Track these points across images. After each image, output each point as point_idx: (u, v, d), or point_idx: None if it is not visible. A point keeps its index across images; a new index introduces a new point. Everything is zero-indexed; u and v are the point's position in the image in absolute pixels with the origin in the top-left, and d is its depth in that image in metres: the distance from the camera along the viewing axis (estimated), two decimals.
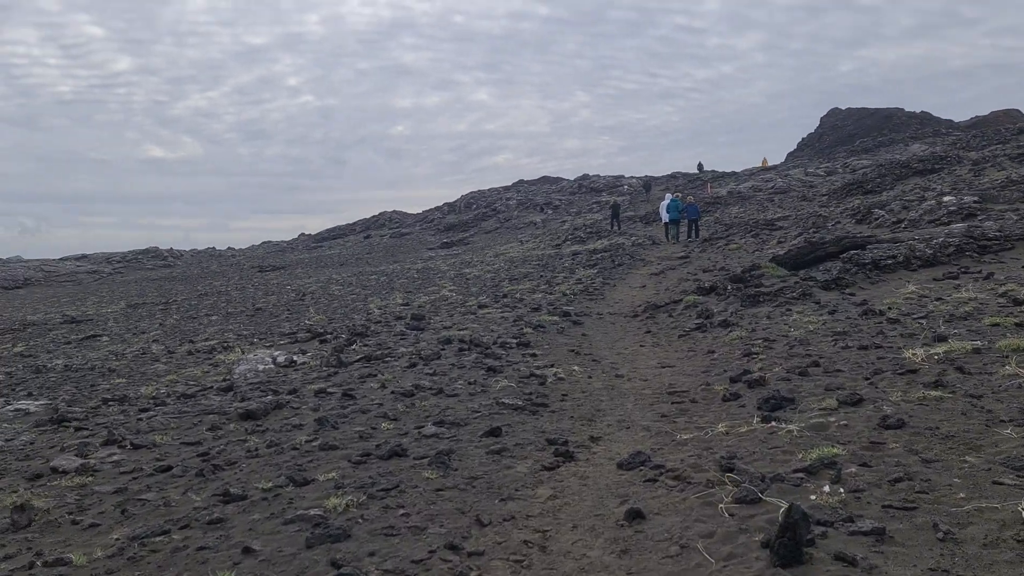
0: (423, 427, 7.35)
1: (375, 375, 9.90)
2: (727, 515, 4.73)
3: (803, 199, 38.69)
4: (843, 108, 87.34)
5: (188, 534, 4.98)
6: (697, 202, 36.13)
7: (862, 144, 68.21)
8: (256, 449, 6.81)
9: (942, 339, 9.07)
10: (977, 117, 74.68)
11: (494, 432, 7.04)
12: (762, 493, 4.91)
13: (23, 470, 6.57)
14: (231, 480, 5.98)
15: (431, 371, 10.07)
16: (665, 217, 33.96)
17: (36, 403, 9.80)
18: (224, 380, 10.30)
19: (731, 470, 5.50)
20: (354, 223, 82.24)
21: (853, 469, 5.21)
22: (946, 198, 20.56)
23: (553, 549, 4.68)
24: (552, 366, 10.38)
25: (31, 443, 7.57)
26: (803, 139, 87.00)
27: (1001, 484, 4.71)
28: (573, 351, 11.92)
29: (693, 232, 33.06)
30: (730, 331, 12.07)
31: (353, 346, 12.69)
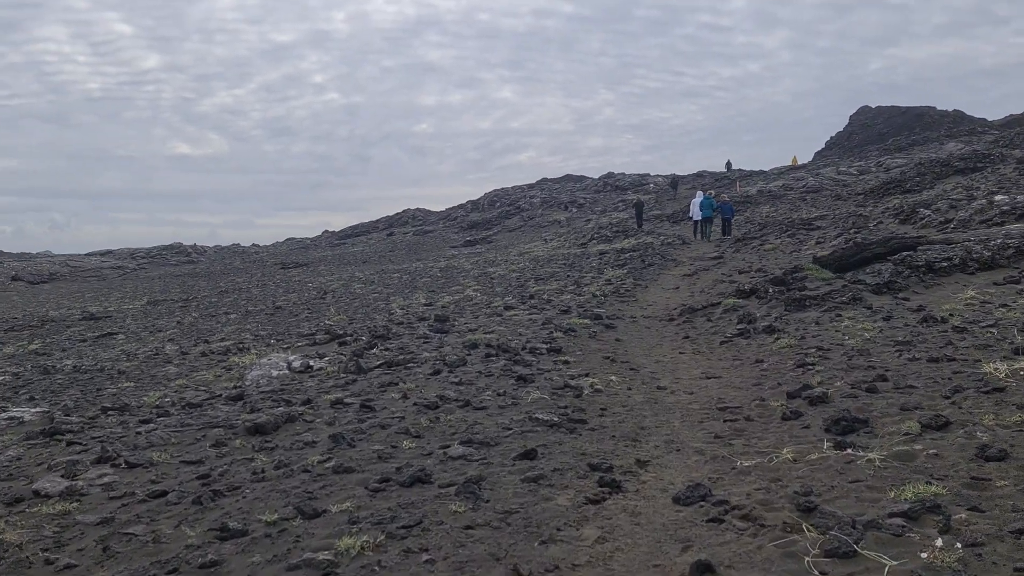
0: (449, 447, 6.59)
1: (396, 383, 9.16)
2: (817, 573, 3.92)
3: (837, 198, 37.52)
4: (873, 106, 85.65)
5: None
6: (731, 201, 35.16)
7: (895, 143, 66.60)
8: (263, 471, 6.09)
9: (1023, 352, 8.17)
10: (1012, 116, 72.76)
11: (529, 454, 6.26)
12: (857, 544, 4.09)
13: (2, 493, 5.89)
14: (231, 510, 5.25)
15: (456, 379, 9.31)
16: (698, 215, 33.02)
17: (34, 410, 9.17)
18: (235, 387, 9.61)
19: (811, 510, 4.68)
20: (377, 220, 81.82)
21: (963, 515, 4.37)
22: (997, 197, 19.49)
23: None
24: (587, 375, 9.58)
25: (17, 459, 6.90)
26: (832, 138, 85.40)
27: None
28: (608, 358, 11.11)
29: (725, 231, 32.11)
30: (777, 338, 11.20)
31: (374, 350, 11.97)
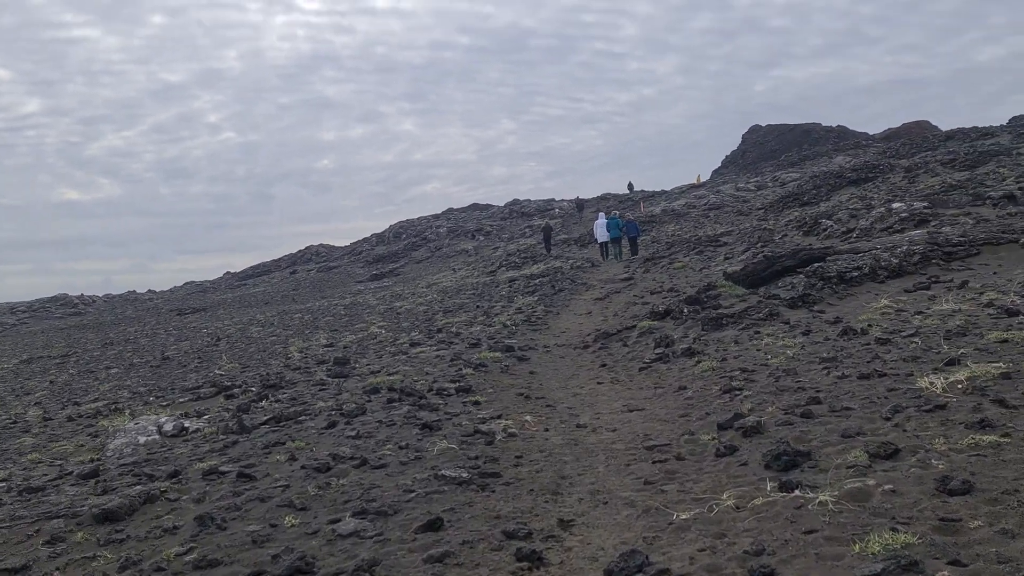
0: (339, 520, 5.57)
1: (284, 443, 8.04)
2: None
3: (739, 214, 38.12)
4: (763, 125, 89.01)
5: None
6: (635, 221, 35.20)
7: (787, 158, 69.08)
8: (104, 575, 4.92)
9: (954, 363, 7.76)
10: (890, 129, 76.82)
11: (434, 524, 5.31)
12: None
13: None
14: None
15: (353, 432, 8.26)
16: (603, 237, 32.86)
17: None
18: (92, 460, 8.28)
19: None
20: (279, 259, 79.29)
21: (945, 572, 3.68)
22: (895, 205, 19.78)
23: None
24: (500, 417, 8.69)
25: None
26: (727, 156, 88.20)
27: None
28: (522, 395, 10.26)
29: (633, 250, 32.05)
30: (697, 361, 10.61)
31: (263, 403, 10.77)
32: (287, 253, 79.80)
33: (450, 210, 79.00)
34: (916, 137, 48.92)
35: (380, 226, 78.25)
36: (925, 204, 19.34)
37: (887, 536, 4.14)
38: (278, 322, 28.99)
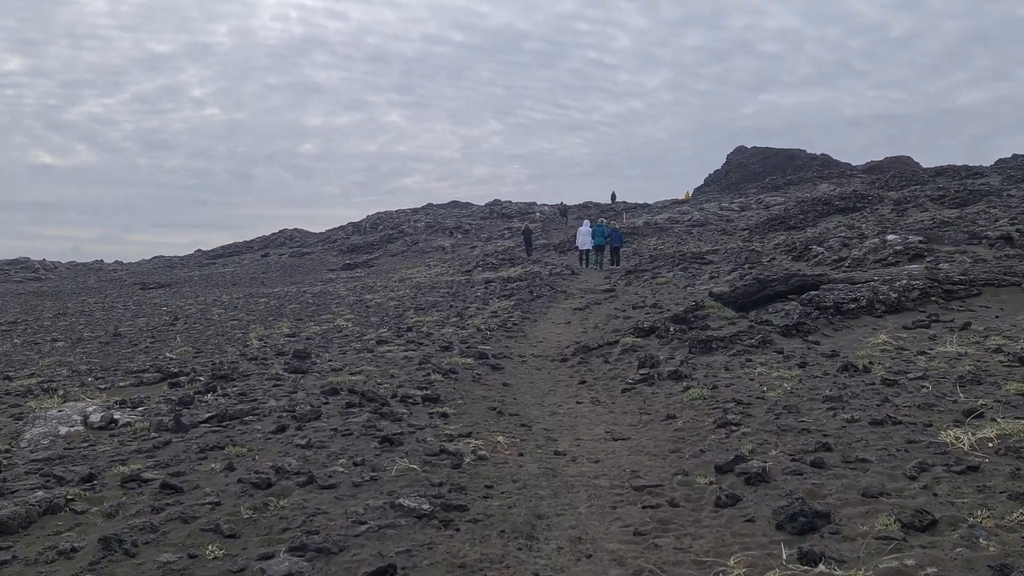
0: (272, 557, 4.66)
1: (223, 447, 7.08)
2: None
3: (723, 233, 37.57)
4: (748, 147, 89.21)
5: None
6: (619, 231, 34.54)
7: (771, 181, 69.03)
8: None
9: (975, 415, 7.02)
10: (872, 162, 77.30)
11: (385, 572, 4.42)
12: None
13: None
14: None
15: (304, 440, 7.32)
16: (586, 245, 32.13)
17: None
18: (1, 452, 7.25)
19: None
20: (252, 240, 77.70)
21: None
22: (890, 236, 19.21)
23: None
24: (470, 435, 7.80)
25: None
26: (710, 175, 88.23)
27: None
28: (494, 409, 9.38)
29: (614, 260, 31.37)
30: (686, 387, 9.80)
31: (208, 395, 9.78)
32: (261, 235, 78.26)
33: (430, 205, 77.95)
34: (905, 171, 48.84)
35: (359, 215, 77.08)
36: (920, 239, 18.77)
37: None
38: (242, 305, 27.83)
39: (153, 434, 7.56)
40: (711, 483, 6.05)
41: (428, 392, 9.86)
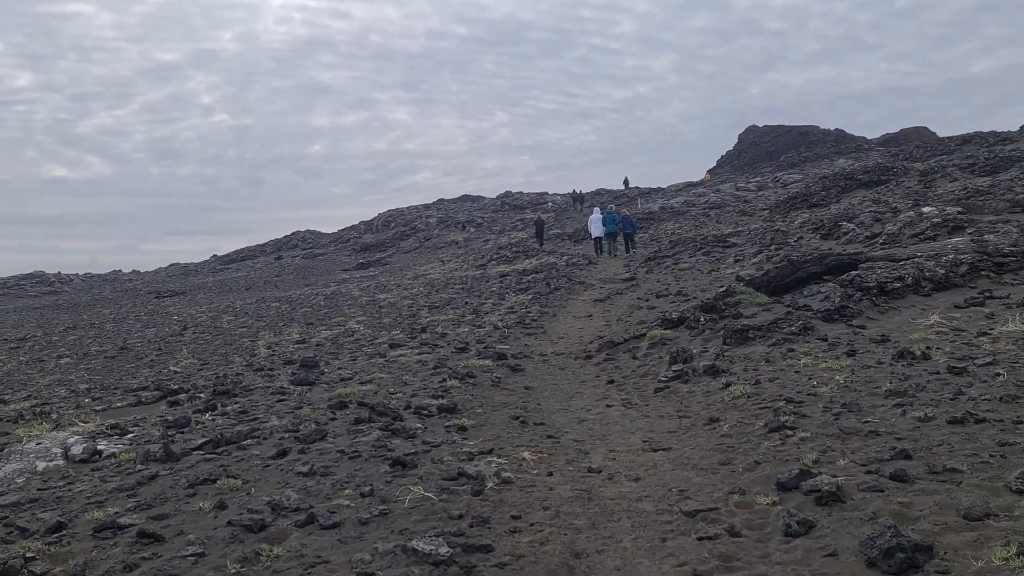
0: None
1: (215, 479, 6.30)
2: None
3: (742, 214, 36.52)
4: (760, 126, 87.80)
5: None
6: (632, 216, 33.62)
7: (787, 159, 67.76)
8: None
9: None
10: (888, 134, 75.74)
11: None
12: None
13: None
14: None
15: (306, 467, 6.53)
16: (598, 232, 31.24)
17: None
18: None
19: None
20: (265, 244, 77.47)
21: None
22: (926, 209, 18.16)
23: None
24: (491, 452, 6.98)
25: None
26: (722, 156, 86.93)
27: None
28: (517, 418, 8.55)
29: (628, 247, 30.48)
30: (726, 384, 8.92)
31: (207, 415, 9.02)
32: (273, 238, 77.88)
33: (441, 200, 77.26)
34: (930, 141, 47.43)
35: (369, 214, 76.47)
36: (958, 210, 17.72)
37: None
38: (253, 311, 27.17)
39: (139, 467, 6.79)
40: (774, 503, 5.20)
41: (444, 401, 9.05)
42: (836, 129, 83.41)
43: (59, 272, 69.92)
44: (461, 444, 7.32)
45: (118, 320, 30.52)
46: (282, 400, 9.75)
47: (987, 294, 11.63)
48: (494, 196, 73.80)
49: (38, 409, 10.93)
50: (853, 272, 12.84)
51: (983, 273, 12.59)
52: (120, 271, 75.54)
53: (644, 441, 7.31)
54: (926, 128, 73.59)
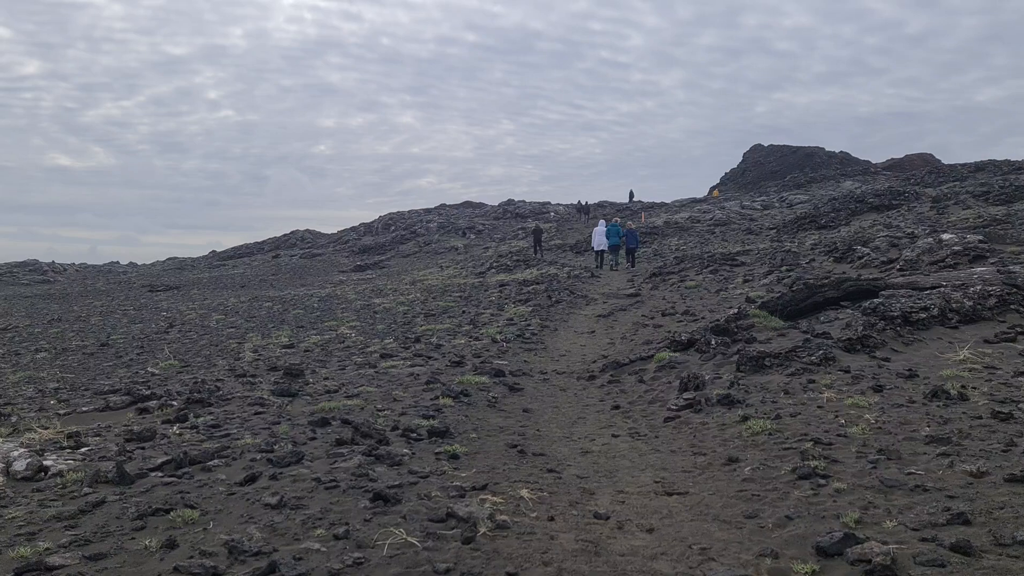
0: None
1: (170, 510, 5.53)
2: None
3: (749, 232, 35.86)
4: (765, 145, 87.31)
5: None
6: (636, 231, 32.96)
7: (793, 179, 67.19)
8: None
9: None
10: (893, 159, 75.22)
11: None
12: None
13: None
14: None
15: (275, 498, 5.77)
16: (601, 245, 30.59)
17: None
18: None
19: None
20: (263, 241, 76.71)
21: None
22: (946, 236, 17.46)
23: None
24: (485, 487, 6.22)
25: None
26: (726, 174, 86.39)
27: None
28: (515, 446, 7.79)
29: (630, 262, 29.83)
30: (743, 416, 8.16)
31: (176, 427, 8.26)
32: (272, 236, 77.13)
33: (443, 205, 76.56)
34: (939, 167, 46.81)
35: (372, 216, 75.64)
36: (979, 238, 17.03)
37: None
38: (244, 311, 26.37)
39: (86, 489, 6.01)
40: (814, 573, 4.44)
41: (435, 423, 8.29)
42: (841, 152, 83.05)
43: (53, 261, 69.04)
44: (452, 475, 6.57)
45: (105, 314, 29.71)
46: (260, 413, 8.98)
47: (1019, 329, 10.93)
48: (496, 204, 73.14)
49: (1, 409, 10.16)
50: (876, 300, 12.12)
51: (1012, 307, 11.88)
52: (117, 262, 74.84)
53: (656, 481, 6.55)
54: (931, 155, 73.19)
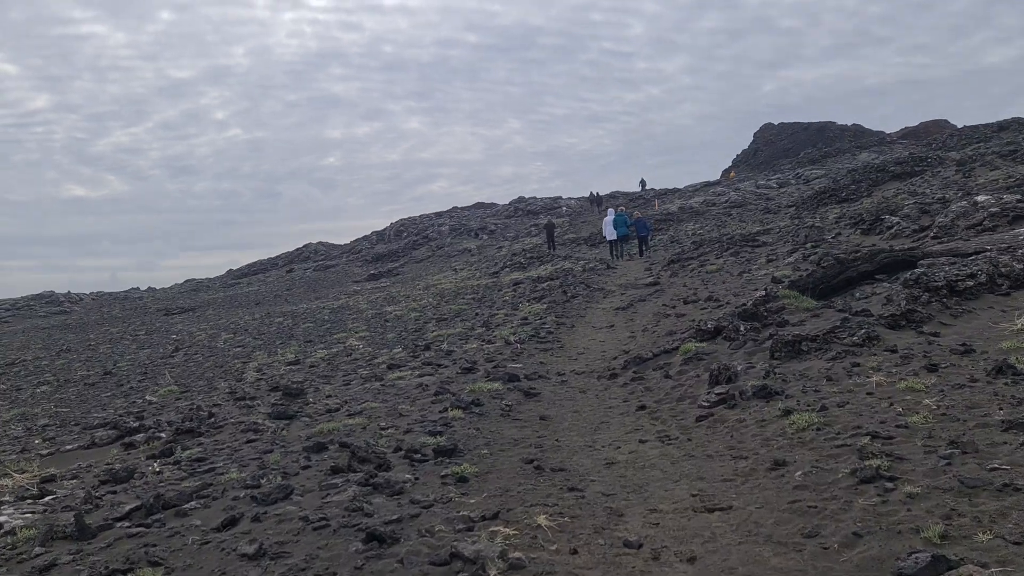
0: None
1: (130, 568, 4.76)
2: None
3: (767, 211, 34.77)
4: (775, 123, 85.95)
5: None
6: (646, 218, 32.06)
7: (807, 155, 65.82)
8: None
9: None
10: (907, 128, 73.62)
11: None
12: None
13: None
14: None
15: (255, 546, 4.98)
16: (611, 235, 29.75)
17: None
18: None
19: None
20: (277, 257, 76.45)
21: None
22: (980, 198, 16.42)
23: None
24: (496, 516, 5.39)
25: None
26: (738, 155, 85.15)
27: None
28: (531, 461, 6.95)
29: (642, 250, 29.01)
30: (784, 410, 7.27)
31: (157, 462, 7.51)
32: (286, 251, 76.82)
33: (454, 208, 75.87)
34: (923, 138, 45.43)
35: (385, 224, 74.95)
36: (1018, 197, 15.97)
37: None
38: (254, 328, 25.73)
39: (37, 549, 5.24)
40: None
41: (443, 440, 7.48)
42: (854, 124, 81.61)
43: (68, 292, 69.12)
44: (458, 503, 5.75)
45: (114, 341, 29.20)
46: (252, 441, 8.21)
47: None
48: (507, 202, 72.37)
49: None
50: (916, 271, 11.17)
51: None
52: (137, 288, 75.01)
53: (693, 495, 5.69)
54: (945, 120, 71.62)
